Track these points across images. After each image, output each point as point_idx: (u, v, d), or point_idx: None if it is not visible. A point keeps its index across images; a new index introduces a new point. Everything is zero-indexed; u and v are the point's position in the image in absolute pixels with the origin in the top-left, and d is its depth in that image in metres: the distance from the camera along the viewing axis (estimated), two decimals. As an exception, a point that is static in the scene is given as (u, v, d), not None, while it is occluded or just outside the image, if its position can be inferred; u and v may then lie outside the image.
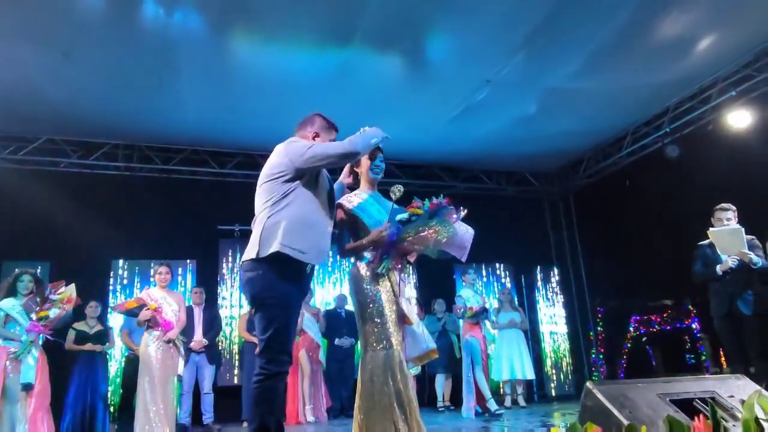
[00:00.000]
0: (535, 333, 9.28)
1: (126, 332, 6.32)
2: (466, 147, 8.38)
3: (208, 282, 7.79)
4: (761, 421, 1.35)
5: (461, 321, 6.64)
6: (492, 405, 6.13)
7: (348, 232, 2.92)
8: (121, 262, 7.79)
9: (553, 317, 9.68)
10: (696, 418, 1.42)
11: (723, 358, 7.31)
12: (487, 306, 6.96)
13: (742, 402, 1.55)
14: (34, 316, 4.93)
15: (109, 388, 6.60)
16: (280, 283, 2.46)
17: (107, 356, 6.56)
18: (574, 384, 9.28)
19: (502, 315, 7.64)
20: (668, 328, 8.66)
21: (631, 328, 9.04)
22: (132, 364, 5.99)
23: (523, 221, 9.64)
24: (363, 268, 2.80)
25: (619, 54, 6.16)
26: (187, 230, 7.73)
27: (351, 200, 2.90)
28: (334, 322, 7.24)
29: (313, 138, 2.75)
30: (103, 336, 6.27)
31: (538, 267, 9.82)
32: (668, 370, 8.37)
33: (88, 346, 6.10)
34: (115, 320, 6.95)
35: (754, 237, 4.61)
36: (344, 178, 3.08)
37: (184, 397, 6.32)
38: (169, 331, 5.01)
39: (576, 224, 9.97)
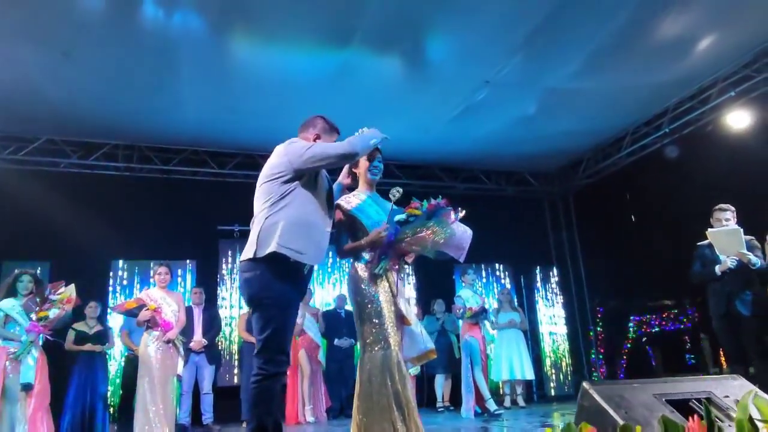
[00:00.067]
0: (535, 333, 9.28)
1: (126, 332, 6.33)
2: (465, 147, 8.38)
3: (208, 282, 7.80)
4: (756, 421, 1.36)
5: (460, 321, 6.64)
6: (491, 405, 6.14)
7: (346, 232, 2.92)
8: (120, 262, 7.80)
9: (552, 318, 9.68)
10: (690, 418, 1.42)
11: (723, 359, 7.31)
12: (486, 306, 6.96)
13: (737, 402, 1.56)
14: (33, 317, 4.94)
15: (109, 389, 6.60)
16: (278, 283, 2.47)
17: (107, 356, 6.57)
18: (574, 384, 9.28)
19: (502, 315, 7.64)
20: (668, 328, 8.67)
21: (631, 329, 9.05)
22: (131, 365, 5.99)
23: (522, 221, 9.64)
24: (361, 269, 2.80)
25: (619, 54, 6.17)
26: (187, 230, 7.74)
27: (349, 201, 2.91)
28: (334, 323, 7.25)
29: (314, 140, 2.76)
30: (103, 336, 6.28)
31: (538, 267, 9.83)
32: (668, 370, 8.37)
33: (88, 347, 6.11)
34: (115, 320, 6.95)
35: (752, 237, 4.61)
36: (343, 178, 3.08)
37: (184, 397, 6.33)
38: (168, 331, 5.01)
39: (575, 224, 9.98)
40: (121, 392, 6.64)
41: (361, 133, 2.79)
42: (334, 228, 2.79)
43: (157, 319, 5.00)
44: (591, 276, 9.66)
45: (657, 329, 8.83)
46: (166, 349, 5.01)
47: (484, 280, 9.38)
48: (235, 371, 7.68)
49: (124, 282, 7.74)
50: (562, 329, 9.66)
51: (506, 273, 9.62)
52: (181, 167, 8.05)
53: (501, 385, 7.63)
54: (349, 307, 6.99)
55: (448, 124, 7.55)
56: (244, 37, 5.66)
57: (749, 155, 6.60)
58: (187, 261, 7.99)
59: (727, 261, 4.56)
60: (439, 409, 7.21)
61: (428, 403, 7.68)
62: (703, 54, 6.33)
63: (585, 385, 1.96)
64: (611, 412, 1.78)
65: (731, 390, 2.00)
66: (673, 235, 6.95)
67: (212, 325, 6.63)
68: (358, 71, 6.22)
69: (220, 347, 7.38)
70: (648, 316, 8.94)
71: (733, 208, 4.65)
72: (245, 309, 7.21)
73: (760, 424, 1.38)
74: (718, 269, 4.61)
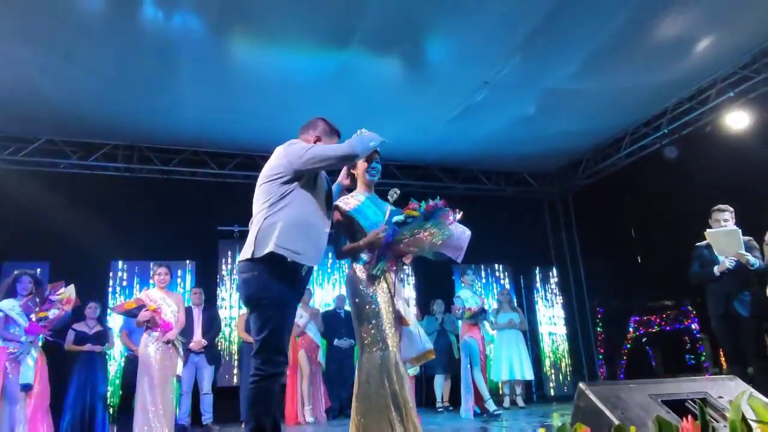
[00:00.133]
0: (534, 334, 9.29)
1: (125, 333, 6.34)
2: (465, 148, 8.39)
3: (208, 283, 7.82)
4: (749, 421, 1.36)
5: (460, 322, 6.65)
6: (490, 405, 6.14)
7: (345, 233, 2.93)
8: (120, 262, 7.81)
9: (552, 318, 9.68)
10: (684, 418, 1.43)
11: (723, 359, 7.31)
12: (486, 307, 6.96)
13: (732, 403, 1.56)
14: (33, 317, 4.95)
15: (109, 389, 6.61)
16: (276, 283, 2.47)
17: (107, 357, 6.58)
18: (573, 384, 9.27)
19: (502, 316, 7.65)
20: (668, 328, 8.67)
21: (631, 329, 9.05)
22: (131, 365, 6.00)
23: (522, 222, 9.65)
24: (359, 270, 2.81)
25: (618, 55, 6.17)
26: (187, 231, 7.74)
27: (348, 202, 2.92)
28: (334, 323, 7.26)
29: (315, 141, 2.77)
30: (103, 337, 6.29)
31: (537, 268, 9.83)
32: (668, 370, 8.37)
33: (88, 347, 6.11)
34: (115, 321, 6.96)
35: (751, 238, 4.61)
36: (342, 179, 3.09)
37: (184, 397, 6.34)
38: (168, 331, 5.01)
39: (575, 225, 9.98)
40: (120, 392, 6.66)
41: (360, 134, 2.80)
42: (332, 229, 2.80)
43: (157, 320, 5.01)
44: (590, 276, 9.67)
45: (657, 329, 8.84)
46: (166, 349, 5.01)
47: (484, 281, 9.39)
48: (235, 371, 7.68)
49: (124, 283, 7.75)
50: (561, 330, 9.66)
51: (506, 273, 9.62)
52: (181, 168, 8.06)
53: (500, 386, 7.64)
54: (348, 307, 7.01)
55: (448, 124, 7.56)
56: (243, 37, 5.67)
57: (748, 156, 6.61)
58: (187, 261, 8.00)
59: (725, 261, 4.56)
60: (439, 410, 7.22)
61: (428, 403, 7.69)
62: (701, 55, 6.34)
63: (581, 385, 1.97)
64: (607, 412, 1.78)
65: (727, 390, 2.01)
66: (673, 235, 6.95)
67: (212, 325, 6.63)
68: (358, 72, 6.23)
69: (219, 347, 7.38)
70: (648, 317, 8.95)
71: (731, 209, 4.65)
72: (245, 309, 7.21)
73: (754, 425, 1.39)
74: (716, 270, 4.61)
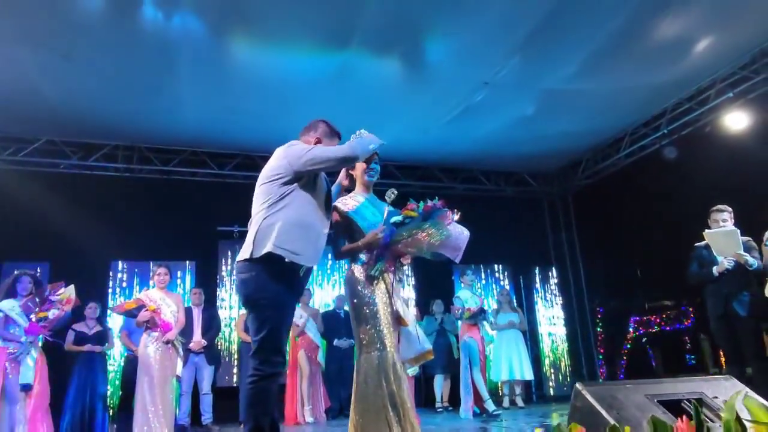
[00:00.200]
0: (534, 334, 9.29)
1: (125, 333, 6.35)
2: (464, 148, 8.40)
3: (208, 283, 7.83)
4: (744, 421, 1.37)
5: (459, 322, 6.65)
6: (490, 405, 6.15)
7: (343, 234, 2.93)
8: (120, 263, 7.82)
9: (552, 318, 9.68)
10: (679, 418, 1.43)
11: (723, 359, 7.31)
12: (485, 307, 6.97)
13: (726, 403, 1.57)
14: (33, 317, 4.96)
15: (108, 389, 6.62)
16: (273, 284, 2.48)
17: (106, 357, 6.59)
18: (573, 385, 9.24)
19: (501, 316, 7.66)
20: (668, 328, 8.67)
21: (631, 329, 9.05)
22: (131, 365, 6.01)
23: (521, 222, 9.66)
24: (358, 271, 2.82)
25: (618, 55, 6.18)
26: (187, 231, 7.75)
27: (346, 203, 2.92)
28: (334, 323, 7.26)
29: (315, 143, 2.77)
30: (103, 337, 6.30)
31: (537, 268, 9.83)
32: (668, 371, 8.36)
33: (88, 347, 6.12)
34: (115, 321, 6.97)
35: (750, 238, 4.62)
36: (341, 180, 3.10)
37: (183, 397, 6.35)
38: (167, 332, 5.02)
39: (575, 225, 9.99)
40: (120, 393, 6.67)
41: (359, 135, 2.81)
42: (331, 229, 2.81)
43: (157, 320, 5.02)
44: (590, 276, 9.67)
45: (657, 329, 8.84)
46: (166, 349, 5.02)
47: (484, 281, 9.39)
48: (235, 371, 7.69)
49: (124, 283, 7.76)
50: (561, 330, 9.66)
51: (505, 274, 9.62)
52: (181, 168, 8.07)
53: (500, 386, 7.64)
54: (348, 307, 7.01)
55: (447, 124, 7.56)
56: (243, 38, 5.68)
57: (747, 156, 6.62)
58: (187, 262, 8.01)
59: (724, 262, 4.57)
60: (438, 410, 7.22)
61: (427, 403, 7.69)
62: (701, 55, 6.35)
63: (578, 385, 1.98)
64: (603, 412, 1.79)
65: (723, 391, 2.02)
66: (673, 235, 6.95)
67: (211, 325, 6.64)
68: (358, 72, 6.23)
69: (219, 348, 7.39)
70: (648, 317, 8.95)
71: (730, 209, 4.65)
72: (244, 310, 7.22)
73: (749, 425, 1.39)
74: (715, 270, 4.62)
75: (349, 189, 3.07)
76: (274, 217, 2.53)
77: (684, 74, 6.75)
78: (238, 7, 5.19)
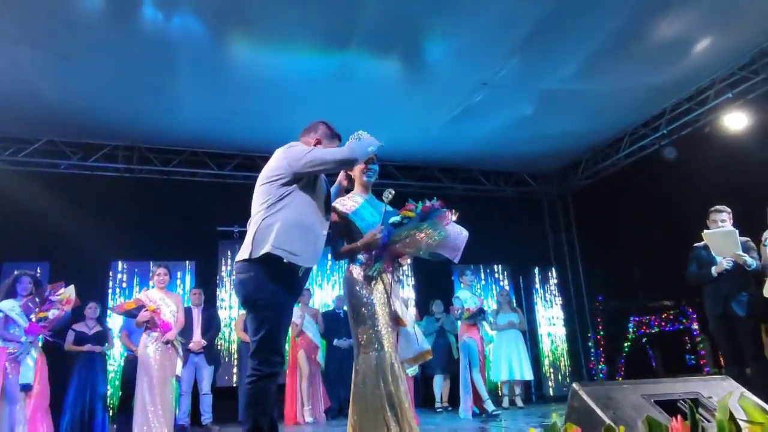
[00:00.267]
0: (533, 334, 9.29)
1: (125, 333, 6.35)
2: (464, 148, 8.41)
3: (207, 283, 7.84)
4: (739, 421, 1.38)
5: (459, 322, 6.66)
6: (489, 405, 6.15)
7: (342, 235, 2.94)
8: (120, 263, 7.83)
9: (551, 319, 9.68)
10: (674, 418, 1.44)
11: (722, 359, 7.32)
12: (484, 307, 6.97)
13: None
14: (33, 317, 4.97)
15: (108, 389, 6.63)
16: (272, 284, 2.48)
17: (106, 357, 6.59)
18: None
19: (501, 316, 7.66)
20: (668, 329, 8.67)
21: (631, 329, 9.05)
22: (131, 365, 6.02)
23: (521, 222, 9.66)
24: (356, 271, 2.82)
25: (617, 56, 6.19)
26: (187, 231, 7.75)
27: (344, 204, 2.93)
28: (334, 323, 7.27)
29: (315, 144, 2.78)
30: (103, 337, 6.30)
31: (536, 268, 9.83)
32: (668, 371, 8.37)
33: (88, 347, 6.13)
34: (115, 321, 6.98)
35: (749, 239, 4.62)
36: (341, 180, 3.10)
37: (183, 397, 6.35)
38: (167, 332, 5.03)
39: (574, 225, 9.99)
40: (120, 393, 6.68)
41: (358, 136, 2.82)
42: (330, 230, 2.82)
43: (156, 320, 5.02)
44: (590, 277, 9.67)
45: (656, 330, 8.84)
46: (165, 349, 5.03)
47: (483, 282, 9.40)
48: (234, 372, 7.70)
49: (124, 283, 7.77)
50: (560, 330, 9.66)
51: (505, 274, 9.62)
52: (181, 168, 8.08)
53: (500, 386, 7.65)
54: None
55: (447, 125, 7.57)
56: (243, 38, 5.68)
57: (747, 156, 6.62)
58: (187, 262, 8.02)
59: (723, 262, 4.57)
60: (438, 410, 7.23)
61: (427, 403, 7.70)
62: (700, 56, 6.35)
63: (575, 385, 1.99)
64: (599, 412, 1.80)
65: (719, 391, 2.02)
66: (672, 235, 6.95)
67: (211, 325, 6.65)
68: (357, 72, 6.24)
69: (219, 348, 7.40)
70: (648, 317, 8.95)
71: (729, 210, 4.66)
72: (243, 310, 7.23)
73: (743, 424, 1.40)
74: (714, 270, 4.62)
75: (348, 189, 3.08)
76: (273, 218, 2.54)
77: (683, 74, 6.75)
78: (237, 8, 5.20)
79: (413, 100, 6.90)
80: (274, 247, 2.45)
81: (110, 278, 7.72)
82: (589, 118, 7.66)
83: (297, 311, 6.69)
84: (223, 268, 8.18)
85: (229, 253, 8.17)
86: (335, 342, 7.18)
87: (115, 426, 6.58)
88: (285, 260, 2.48)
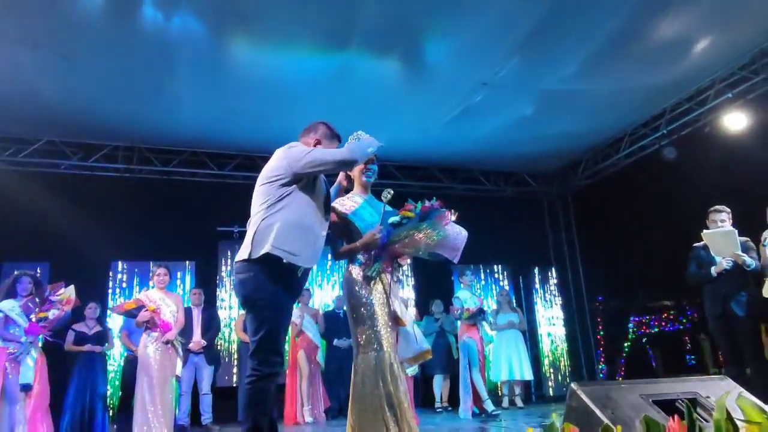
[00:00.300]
0: (533, 334, 9.29)
1: (125, 333, 6.36)
2: (464, 148, 8.41)
3: (207, 283, 7.84)
4: (736, 421, 1.38)
5: (458, 322, 6.66)
6: (489, 405, 6.15)
7: (341, 235, 2.95)
8: (120, 263, 7.83)
9: (551, 319, 9.68)
10: (671, 418, 1.44)
11: (723, 359, 7.32)
12: (484, 307, 6.97)
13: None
14: (33, 318, 4.97)
15: (108, 389, 6.63)
16: (271, 284, 2.49)
17: (106, 357, 6.60)
18: (572, 385, 9.26)
19: (501, 316, 7.67)
20: (668, 328, 8.68)
21: (631, 329, 9.06)
22: (131, 365, 6.02)
23: (521, 222, 9.66)
24: (355, 271, 2.83)
25: (617, 56, 6.18)
26: (187, 232, 7.75)
27: (344, 204, 2.93)
28: (333, 323, 7.27)
29: (315, 144, 2.79)
30: (103, 337, 6.31)
31: (536, 268, 9.83)
32: (668, 371, 8.37)
33: (88, 347, 6.13)
34: (115, 321, 6.99)
35: (748, 239, 4.62)
36: (340, 181, 3.11)
37: (183, 397, 6.35)
38: (167, 332, 5.04)
39: (574, 225, 9.99)
40: (120, 393, 6.68)
41: (357, 136, 2.83)
42: (329, 230, 2.82)
43: (156, 320, 5.03)
44: (590, 277, 9.67)
45: (656, 330, 8.84)
46: (165, 349, 5.04)
47: (483, 282, 9.40)
48: (234, 372, 7.70)
49: (124, 284, 7.77)
50: (560, 330, 9.66)
51: (505, 274, 9.62)
52: (181, 168, 8.08)
53: (499, 386, 7.65)
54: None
55: (447, 125, 7.57)
56: (243, 39, 5.68)
57: (746, 156, 6.62)
58: (187, 262, 8.02)
59: (722, 262, 4.57)
60: (438, 410, 7.23)
61: (426, 403, 7.70)
62: (700, 56, 6.35)
63: (573, 385, 1.99)
64: (598, 412, 1.80)
65: (717, 391, 2.02)
66: (672, 235, 6.95)
67: (211, 325, 6.65)
68: (357, 72, 6.24)
69: (219, 348, 7.41)
70: (648, 317, 8.95)
71: (728, 210, 4.66)
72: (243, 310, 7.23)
73: (741, 424, 1.40)
74: (713, 270, 4.62)
75: (348, 190, 3.08)
76: (273, 218, 2.54)
77: (683, 74, 6.75)
78: (237, 8, 5.20)
79: (413, 100, 6.90)
80: (273, 248, 2.46)
81: (110, 278, 7.72)
82: (589, 118, 7.66)
83: (297, 311, 6.69)
84: (223, 268, 8.19)
85: (229, 253, 8.17)
86: (335, 342, 7.18)
87: (115, 426, 6.58)
88: (284, 260, 2.48)
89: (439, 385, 7.42)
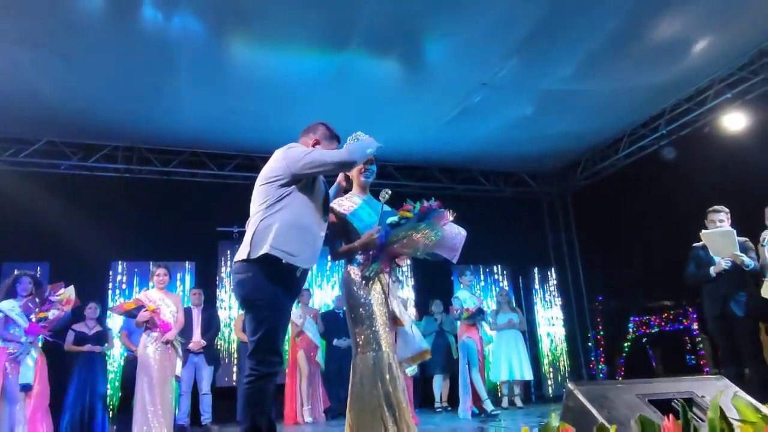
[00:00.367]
0: (533, 334, 9.30)
1: (125, 333, 6.37)
2: (463, 148, 8.41)
3: (207, 283, 7.85)
4: (731, 420, 1.38)
5: (458, 322, 6.67)
6: (488, 405, 6.16)
7: (340, 235, 2.95)
8: (120, 263, 7.84)
9: (551, 319, 9.68)
10: (666, 417, 1.45)
11: (722, 359, 7.32)
12: (483, 307, 6.98)
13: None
14: (33, 318, 4.98)
15: (108, 389, 6.64)
16: (270, 284, 2.50)
17: (106, 357, 6.60)
18: (572, 385, 9.25)
19: (501, 316, 7.67)
20: (668, 329, 8.66)
21: (631, 329, 9.05)
22: (131, 365, 6.02)
23: (520, 222, 9.67)
24: (354, 272, 2.83)
25: (616, 56, 6.19)
26: (186, 232, 7.76)
27: (342, 204, 2.93)
28: (333, 323, 7.28)
29: (314, 145, 2.80)
30: (102, 337, 6.32)
31: (536, 268, 9.83)
32: (668, 371, 8.37)
33: (87, 347, 6.14)
34: (115, 321, 7.00)
35: (747, 239, 4.63)
36: (340, 181, 3.11)
37: (183, 397, 6.36)
38: (167, 332, 5.04)
39: (574, 225, 9.99)
40: (120, 393, 6.69)
41: (356, 137, 2.84)
42: (328, 230, 2.83)
43: (156, 320, 5.03)
44: (589, 277, 9.67)
45: (656, 330, 8.83)
46: (165, 349, 5.04)
47: (483, 282, 9.40)
48: (234, 372, 7.71)
49: (123, 284, 7.78)
50: (560, 330, 9.67)
51: (504, 274, 9.63)
52: (181, 169, 8.08)
53: (499, 386, 7.65)
54: (347, 308, 7.01)
55: (446, 125, 7.57)
56: (243, 39, 5.69)
57: (746, 157, 6.63)
58: (186, 262, 8.03)
59: (721, 262, 4.57)
60: (437, 410, 7.24)
61: (426, 403, 7.70)
62: (699, 56, 6.36)
63: (570, 385, 2.00)
64: (594, 412, 1.81)
65: (713, 390, 2.03)
66: (672, 235, 6.95)
67: (211, 325, 6.66)
68: (357, 73, 6.25)
69: (218, 348, 7.41)
70: (648, 317, 8.94)
71: (726, 210, 4.66)
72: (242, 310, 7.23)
73: (735, 423, 1.40)
74: (712, 271, 4.62)
75: (347, 190, 3.09)
76: (272, 219, 2.55)
77: (683, 75, 6.76)
78: (237, 8, 5.21)
79: (413, 100, 6.90)
80: (272, 248, 2.47)
81: (110, 278, 7.73)
82: (589, 118, 7.66)
83: (297, 312, 6.70)
84: (223, 268, 8.19)
85: (228, 254, 8.18)
86: (335, 342, 7.19)
87: (114, 426, 6.59)
88: (283, 261, 2.49)
89: (439, 385, 7.42)
